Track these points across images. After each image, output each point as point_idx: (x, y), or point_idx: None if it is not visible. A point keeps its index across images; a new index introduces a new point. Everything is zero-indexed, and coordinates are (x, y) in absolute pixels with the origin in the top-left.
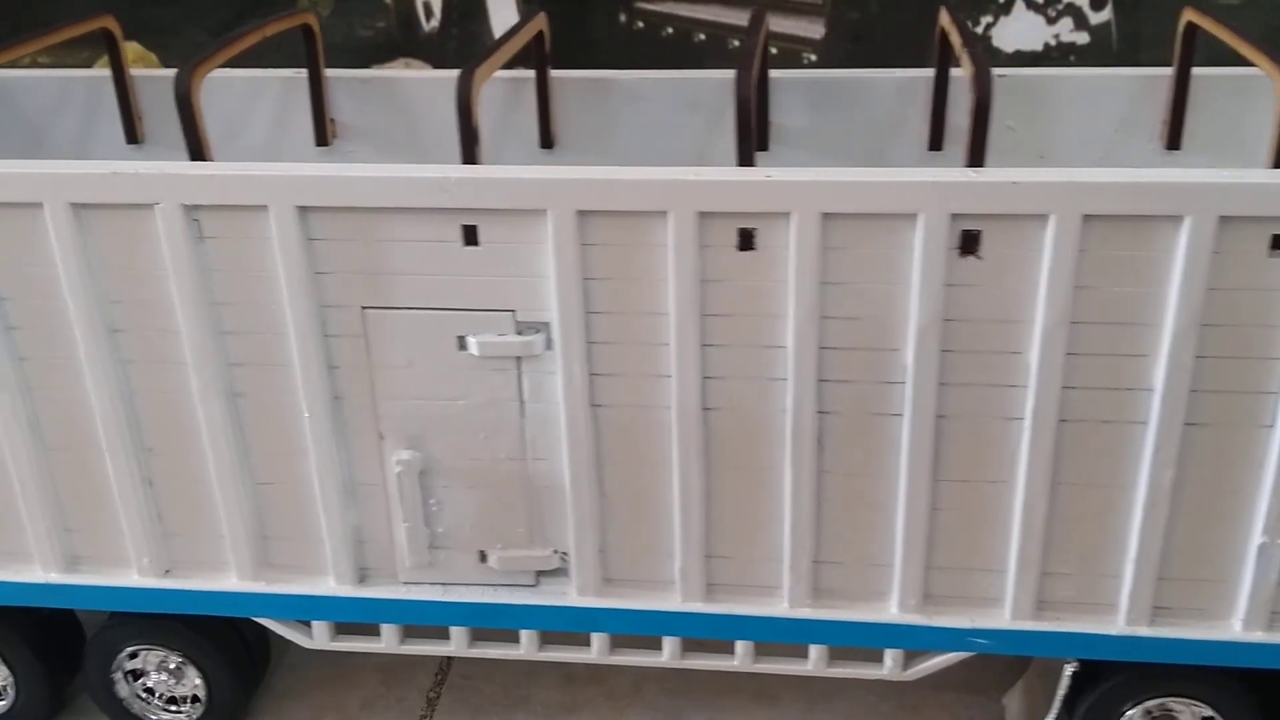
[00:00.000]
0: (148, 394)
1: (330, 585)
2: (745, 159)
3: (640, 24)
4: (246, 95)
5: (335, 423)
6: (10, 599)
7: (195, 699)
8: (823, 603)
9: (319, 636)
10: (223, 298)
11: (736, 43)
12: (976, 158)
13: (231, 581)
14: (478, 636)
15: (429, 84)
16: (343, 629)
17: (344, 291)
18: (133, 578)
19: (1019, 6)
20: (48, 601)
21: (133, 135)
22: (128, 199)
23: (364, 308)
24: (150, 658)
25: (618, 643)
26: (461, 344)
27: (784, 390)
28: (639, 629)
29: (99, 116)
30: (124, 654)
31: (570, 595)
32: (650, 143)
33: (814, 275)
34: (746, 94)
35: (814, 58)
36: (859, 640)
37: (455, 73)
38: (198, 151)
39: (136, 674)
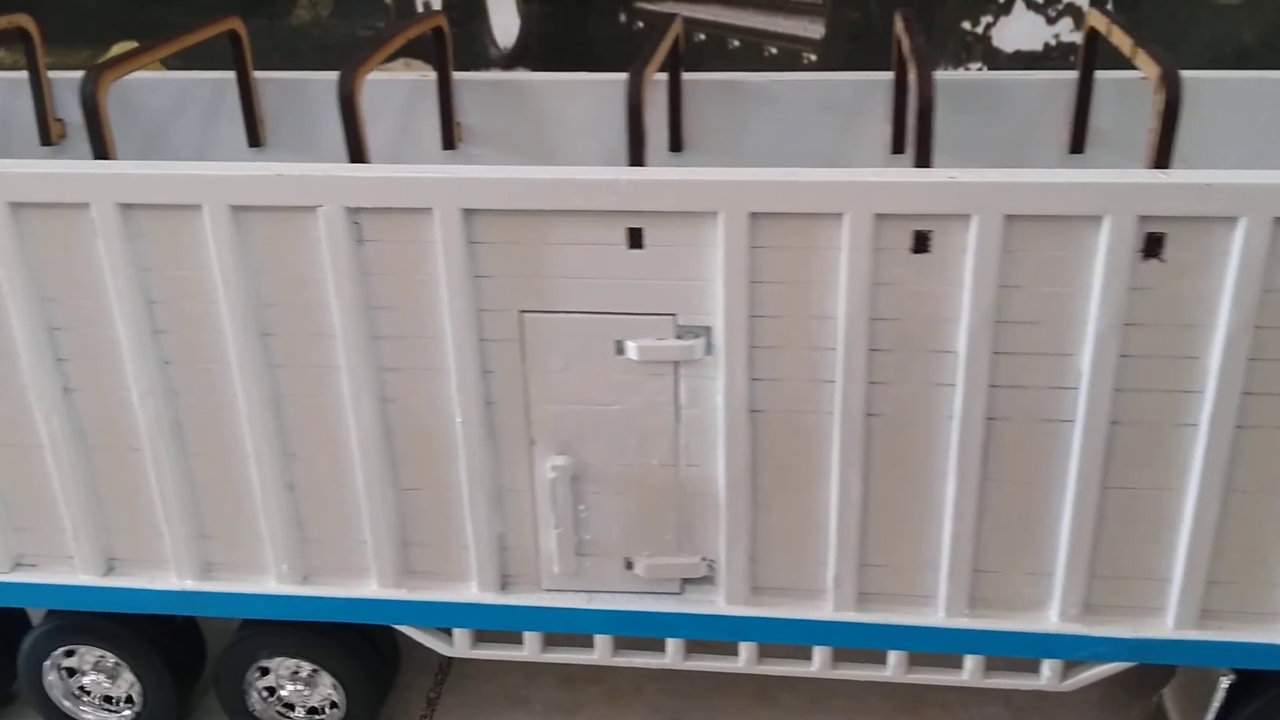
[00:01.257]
0: (296, 398)
1: (473, 592)
2: (923, 160)
3: (640, 24)
4: (371, 98)
5: (487, 428)
6: (145, 606)
7: (333, 704)
8: (980, 612)
9: (459, 644)
10: (379, 302)
11: (737, 43)
12: (1163, 159)
13: (371, 588)
14: (620, 644)
15: (555, 86)
16: (481, 636)
17: (502, 295)
18: (270, 584)
19: (1019, 6)
20: (183, 610)
21: (255, 139)
22: (291, 201)
23: (522, 311)
24: (282, 668)
25: (765, 651)
26: (619, 348)
27: (951, 396)
28: (788, 638)
29: (218, 120)
30: (257, 666)
31: (718, 603)
32: (783, 145)
33: (991, 278)
34: (930, 94)
35: (814, 58)
36: (1017, 650)
37: (585, 76)
38: (358, 154)
39: (272, 689)
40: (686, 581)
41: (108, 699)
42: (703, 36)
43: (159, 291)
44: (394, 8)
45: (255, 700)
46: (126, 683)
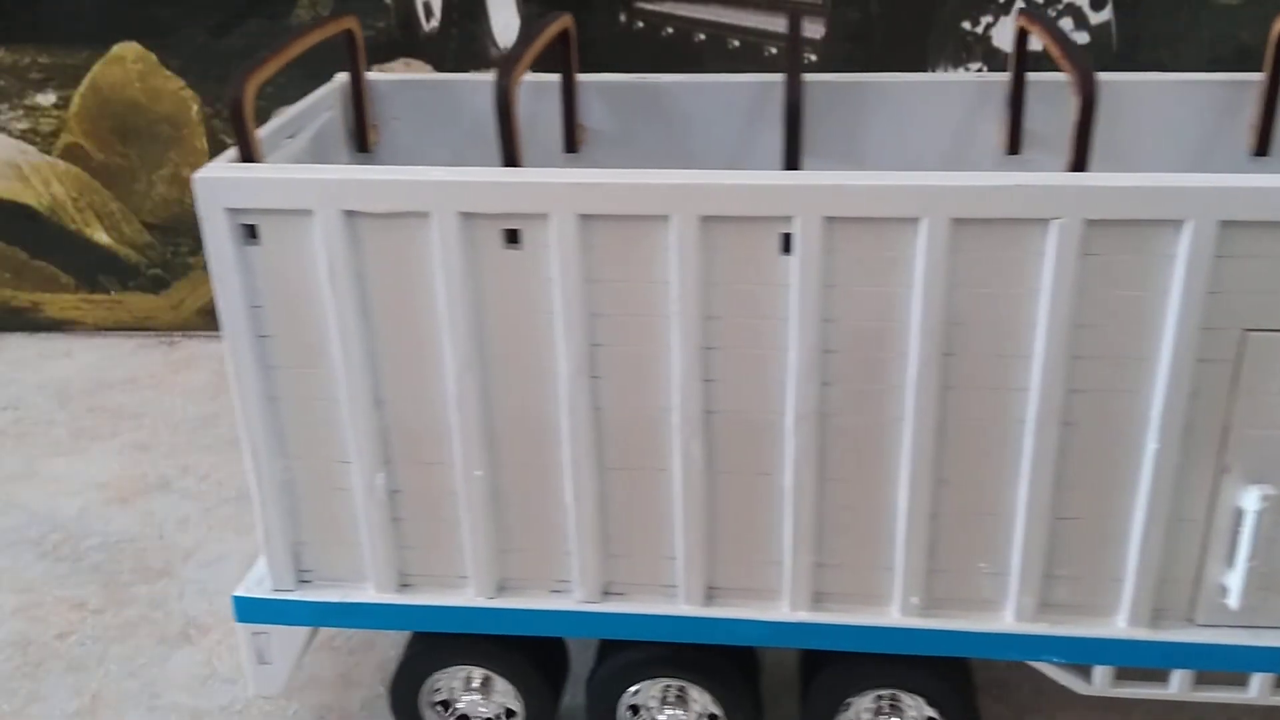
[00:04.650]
0: (966, 422)
1: (1119, 627)
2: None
3: (640, 24)
4: (928, 100)
5: (1181, 454)
6: (751, 639)
7: None
8: None
9: (1099, 682)
10: (1085, 319)
11: (736, 43)
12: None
13: (1006, 622)
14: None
15: (1123, 87)
16: (1120, 674)
17: (1229, 313)
18: (892, 616)
19: (1019, 6)
20: (785, 642)
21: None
22: (1019, 214)
23: (1245, 329)
24: (863, 705)
25: None
26: None
27: None
28: None
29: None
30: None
31: None
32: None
33: None
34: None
35: (814, 58)
36: None
37: (1170, 76)
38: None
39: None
40: None
41: None
42: (703, 36)
43: (835, 309)
44: (394, 7)
45: None
46: (695, 714)
